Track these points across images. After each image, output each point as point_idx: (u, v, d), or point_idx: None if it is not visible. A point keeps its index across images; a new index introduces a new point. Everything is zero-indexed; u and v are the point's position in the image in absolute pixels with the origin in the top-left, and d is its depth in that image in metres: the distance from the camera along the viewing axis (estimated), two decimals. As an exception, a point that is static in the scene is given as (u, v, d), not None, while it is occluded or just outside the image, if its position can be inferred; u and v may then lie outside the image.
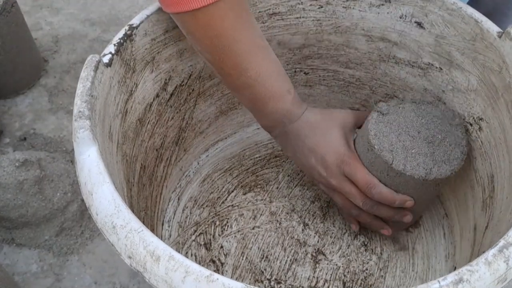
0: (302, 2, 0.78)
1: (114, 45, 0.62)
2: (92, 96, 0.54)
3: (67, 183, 0.94)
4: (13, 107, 1.15)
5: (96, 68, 0.57)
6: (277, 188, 0.88)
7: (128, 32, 0.64)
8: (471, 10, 0.66)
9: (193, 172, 0.89)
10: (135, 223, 0.43)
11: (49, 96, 1.18)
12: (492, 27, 0.64)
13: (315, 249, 0.79)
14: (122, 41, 0.63)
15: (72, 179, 0.96)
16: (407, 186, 0.68)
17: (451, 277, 0.40)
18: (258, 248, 0.79)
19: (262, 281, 0.76)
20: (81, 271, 0.90)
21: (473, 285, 0.40)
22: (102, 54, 0.60)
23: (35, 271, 0.90)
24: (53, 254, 0.92)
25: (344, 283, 0.76)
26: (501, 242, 0.43)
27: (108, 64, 0.59)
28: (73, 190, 0.94)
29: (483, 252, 0.43)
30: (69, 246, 0.92)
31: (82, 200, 0.95)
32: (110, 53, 0.61)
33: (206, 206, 0.85)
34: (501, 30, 0.63)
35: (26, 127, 1.11)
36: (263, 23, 0.79)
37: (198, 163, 0.90)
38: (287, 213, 0.84)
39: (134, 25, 0.65)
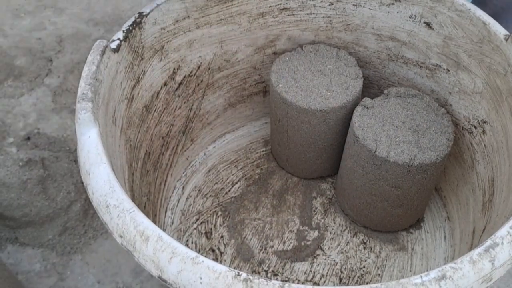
0: (313, -2, 0.78)
1: (123, 31, 0.63)
2: (96, 79, 0.55)
3: (70, 182, 0.94)
4: (17, 106, 1.14)
5: (103, 52, 0.58)
6: (281, 182, 0.88)
7: (138, 20, 0.65)
8: (479, 12, 0.66)
9: (199, 162, 0.90)
10: (127, 203, 0.45)
11: (53, 96, 1.18)
12: (499, 30, 0.63)
13: (314, 244, 0.80)
14: (131, 28, 0.64)
15: (75, 178, 0.96)
16: (393, 175, 0.69)
17: (434, 273, 0.40)
18: (258, 239, 0.80)
19: (259, 272, 0.76)
20: (84, 270, 0.90)
21: (456, 282, 0.40)
22: (110, 40, 0.61)
23: (38, 270, 0.90)
24: (56, 253, 0.92)
25: (340, 279, 0.76)
26: (488, 242, 0.43)
27: (116, 50, 0.61)
28: (77, 189, 0.94)
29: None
30: (72, 246, 0.93)
31: (86, 200, 0.95)
32: (119, 39, 0.62)
33: (210, 196, 0.86)
34: (508, 33, 0.62)
35: (30, 126, 1.10)
36: (274, 17, 0.80)
37: (204, 154, 0.92)
38: (289, 207, 0.84)
39: (144, 13, 0.66)
